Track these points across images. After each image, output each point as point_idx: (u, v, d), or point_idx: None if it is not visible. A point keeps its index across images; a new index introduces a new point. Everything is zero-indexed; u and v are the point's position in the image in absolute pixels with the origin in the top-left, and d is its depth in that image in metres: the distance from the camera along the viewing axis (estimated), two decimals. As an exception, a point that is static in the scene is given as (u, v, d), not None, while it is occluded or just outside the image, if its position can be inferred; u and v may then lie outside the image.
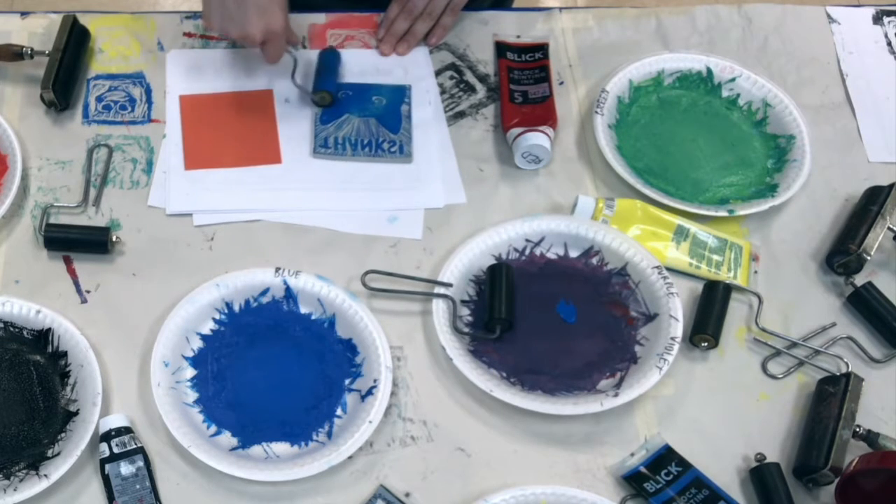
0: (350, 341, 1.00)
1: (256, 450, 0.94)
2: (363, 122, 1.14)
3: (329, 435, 0.95)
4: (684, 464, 0.94)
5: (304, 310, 1.02)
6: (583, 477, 0.95)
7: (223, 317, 1.01)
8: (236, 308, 1.01)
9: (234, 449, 0.94)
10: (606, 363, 1.01)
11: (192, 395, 0.97)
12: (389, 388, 0.96)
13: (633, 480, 0.94)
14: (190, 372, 0.98)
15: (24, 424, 0.94)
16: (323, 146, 1.12)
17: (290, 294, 1.01)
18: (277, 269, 1.01)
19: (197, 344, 0.99)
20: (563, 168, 1.14)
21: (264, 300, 1.01)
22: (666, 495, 0.92)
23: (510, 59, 1.20)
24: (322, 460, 0.91)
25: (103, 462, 0.91)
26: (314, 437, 0.95)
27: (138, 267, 1.04)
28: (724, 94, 1.19)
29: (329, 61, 1.17)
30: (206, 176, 1.10)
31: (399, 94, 1.17)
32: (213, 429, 0.95)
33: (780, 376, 1.02)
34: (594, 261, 1.06)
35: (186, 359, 0.98)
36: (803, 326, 1.05)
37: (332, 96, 1.14)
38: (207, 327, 1.00)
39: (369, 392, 0.96)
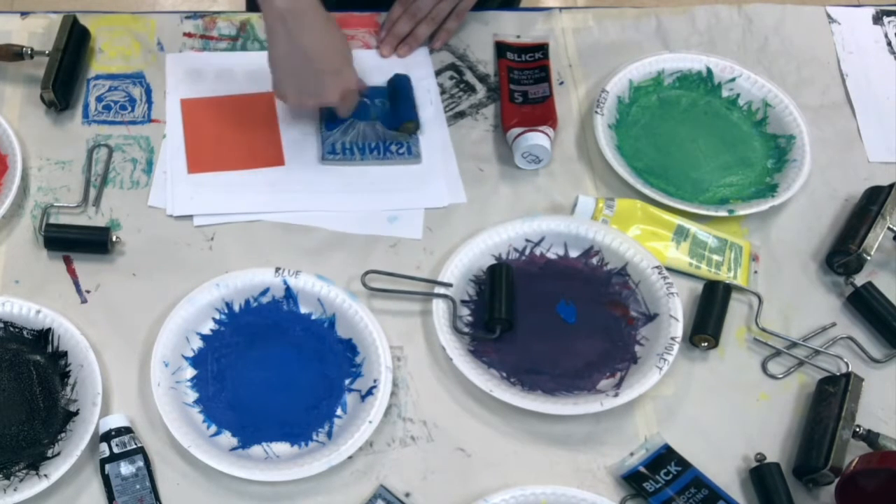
0: (350, 341, 1.00)
1: (256, 450, 0.94)
2: (368, 125, 1.14)
3: (329, 435, 0.95)
4: (683, 463, 0.94)
5: (304, 310, 1.02)
6: (583, 477, 0.95)
7: (223, 317, 1.01)
8: (236, 308, 1.01)
9: (234, 449, 0.94)
10: (606, 363, 1.01)
11: (192, 395, 0.97)
12: (389, 389, 0.96)
13: (632, 480, 0.94)
14: (190, 372, 0.98)
15: (24, 424, 0.94)
16: (331, 153, 1.12)
17: (290, 294, 1.01)
18: (277, 269, 1.01)
19: (197, 344, 0.99)
20: (563, 168, 1.14)
21: (264, 300, 1.01)
22: (665, 495, 0.92)
23: (510, 59, 1.20)
24: (322, 460, 0.91)
25: (103, 462, 0.91)
26: (314, 437, 0.95)
27: (138, 267, 1.04)
28: (724, 94, 1.19)
29: (403, 87, 1.15)
30: (209, 179, 1.09)
31: None
32: (213, 429, 0.95)
33: (780, 376, 1.02)
34: (594, 261, 1.06)
35: (186, 359, 0.98)
36: (803, 326, 1.05)
37: (417, 124, 1.13)
38: (207, 327, 1.00)
39: (369, 392, 0.96)
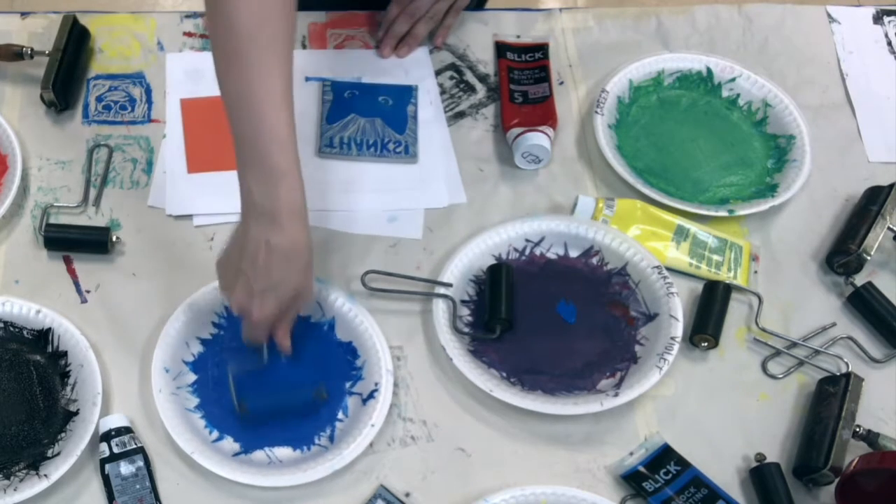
0: (350, 344, 1.00)
1: (259, 454, 0.94)
2: (369, 122, 1.14)
3: (331, 439, 0.95)
4: (683, 463, 0.94)
5: (303, 313, 1.01)
6: (583, 477, 0.95)
7: (223, 321, 1.00)
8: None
9: (236, 454, 0.94)
10: (606, 363, 1.01)
11: (194, 401, 0.96)
12: (391, 392, 0.95)
13: (631, 479, 0.94)
14: (191, 377, 0.98)
15: (24, 424, 0.94)
16: (328, 146, 1.12)
17: (289, 295, 1.01)
18: (277, 270, 1.01)
19: (197, 349, 0.99)
20: (563, 168, 1.14)
21: (264, 301, 1.01)
22: (665, 494, 0.92)
23: (510, 59, 1.20)
24: (325, 464, 0.91)
25: (103, 462, 0.91)
26: (316, 441, 0.95)
27: (138, 267, 1.04)
28: (724, 94, 1.19)
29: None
30: (208, 179, 1.09)
31: (406, 95, 1.17)
32: (216, 434, 0.95)
33: (780, 376, 1.02)
34: (594, 261, 1.06)
35: (187, 364, 0.98)
36: (803, 326, 1.05)
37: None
38: (207, 332, 1.00)
39: (370, 395, 0.96)
